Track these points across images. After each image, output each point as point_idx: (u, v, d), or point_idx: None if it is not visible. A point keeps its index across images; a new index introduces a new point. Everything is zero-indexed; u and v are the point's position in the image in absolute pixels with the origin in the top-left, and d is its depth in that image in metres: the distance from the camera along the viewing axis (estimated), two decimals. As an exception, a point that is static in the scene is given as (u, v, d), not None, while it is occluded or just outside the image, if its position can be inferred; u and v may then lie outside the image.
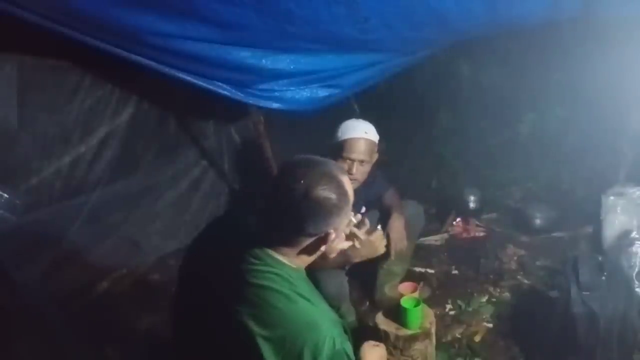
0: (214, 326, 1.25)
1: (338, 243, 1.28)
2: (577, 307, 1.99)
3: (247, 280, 1.20)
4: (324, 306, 1.23)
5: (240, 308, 1.18)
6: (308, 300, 1.19)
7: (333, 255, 1.32)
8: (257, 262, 1.22)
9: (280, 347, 1.13)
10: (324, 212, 1.17)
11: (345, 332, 1.23)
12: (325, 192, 1.16)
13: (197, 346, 1.32)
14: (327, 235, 1.21)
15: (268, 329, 1.15)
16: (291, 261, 1.25)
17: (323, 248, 1.23)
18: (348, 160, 2.21)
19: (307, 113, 2.58)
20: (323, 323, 1.16)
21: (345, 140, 2.21)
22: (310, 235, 1.21)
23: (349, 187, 1.23)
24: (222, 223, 1.49)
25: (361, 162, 2.22)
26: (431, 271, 2.81)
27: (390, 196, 2.51)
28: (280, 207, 1.19)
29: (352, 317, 2.33)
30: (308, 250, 1.24)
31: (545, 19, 2.40)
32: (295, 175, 1.17)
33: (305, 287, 1.24)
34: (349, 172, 2.21)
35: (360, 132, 2.23)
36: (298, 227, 1.18)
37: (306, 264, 1.30)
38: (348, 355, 1.18)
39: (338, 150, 2.23)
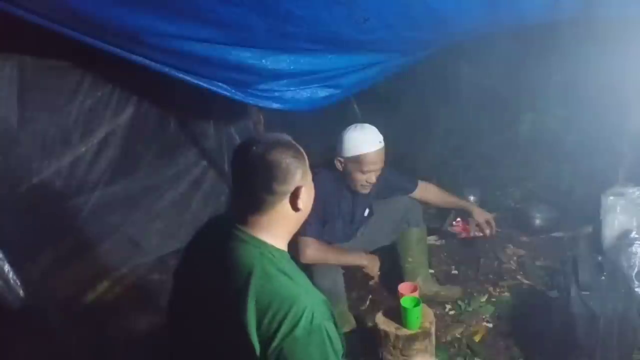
0: (210, 317, 1.24)
1: (308, 199, 1.29)
2: (576, 307, 1.99)
3: (235, 265, 1.21)
4: (308, 285, 1.22)
5: (227, 290, 1.18)
6: (290, 277, 1.19)
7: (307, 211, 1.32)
8: (241, 245, 1.23)
9: (260, 321, 1.12)
10: (286, 165, 1.21)
11: (333, 316, 1.21)
12: (280, 149, 1.22)
13: (194, 341, 1.32)
14: (297, 189, 1.23)
15: (251, 304, 1.14)
16: (274, 240, 1.25)
17: (300, 205, 1.24)
18: (368, 172, 2.24)
19: (307, 113, 2.58)
20: (303, 298, 1.15)
21: (364, 155, 2.22)
22: (278, 193, 1.22)
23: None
24: (215, 220, 1.49)
25: (379, 169, 2.27)
26: (431, 271, 2.81)
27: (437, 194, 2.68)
28: (245, 169, 1.24)
29: (347, 327, 2.30)
30: (284, 216, 1.25)
31: (545, 19, 2.40)
32: (251, 143, 1.24)
33: (288, 265, 1.24)
34: (369, 181, 2.25)
35: (376, 144, 2.24)
36: (266, 185, 1.21)
37: (289, 236, 1.30)
38: (329, 335, 1.14)
39: (355, 164, 2.24)
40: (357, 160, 2.23)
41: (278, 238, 1.27)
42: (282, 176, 1.21)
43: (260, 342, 1.12)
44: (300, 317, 1.11)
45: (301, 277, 1.23)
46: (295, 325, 1.10)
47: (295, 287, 1.17)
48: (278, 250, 1.25)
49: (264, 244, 1.24)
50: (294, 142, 1.28)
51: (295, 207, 1.25)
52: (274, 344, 1.10)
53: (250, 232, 1.24)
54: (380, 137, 2.27)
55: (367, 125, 2.30)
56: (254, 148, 1.21)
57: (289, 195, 1.24)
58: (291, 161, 1.22)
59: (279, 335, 1.10)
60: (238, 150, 1.27)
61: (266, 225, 1.24)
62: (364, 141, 2.23)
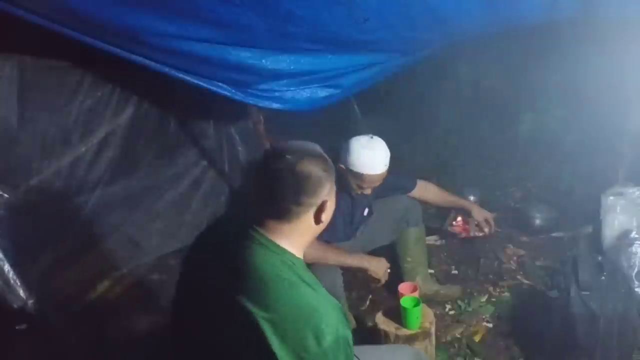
0: (217, 318, 1.23)
1: (331, 212, 1.31)
2: (576, 307, 1.99)
3: (249, 267, 1.20)
4: (327, 295, 1.22)
5: (243, 295, 1.16)
6: (309, 285, 1.19)
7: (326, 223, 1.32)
8: (258, 248, 1.22)
9: (283, 330, 1.12)
10: (317, 178, 1.21)
11: (348, 321, 1.21)
12: (312, 161, 1.22)
13: (199, 341, 1.31)
14: (323, 203, 1.24)
15: (271, 311, 1.13)
16: (292, 248, 1.25)
17: (323, 218, 1.25)
18: (365, 188, 2.27)
19: (307, 113, 2.58)
20: (325, 308, 1.15)
21: (367, 175, 2.21)
22: (305, 205, 1.22)
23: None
24: (223, 220, 1.49)
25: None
26: (431, 271, 2.81)
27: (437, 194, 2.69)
28: (274, 177, 1.22)
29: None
30: (307, 226, 1.25)
31: (545, 19, 2.40)
32: (282, 151, 1.22)
33: (306, 273, 1.23)
34: (363, 193, 2.31)
35: (381, 167, 2.21)
36: (294, 196, 1.20)
37: (306, 245, 1.30)
38: (349, 343, 1.16)
39: (355, 177, 2.23)
40: (359, 177, 2.22)
41: (296, 247, 1.26)
42: (312, 189, 1.21)
43: (283, 350, 1.11)
44: (326, 329, 1.11)
45: (320, 286, 1.23)
46: (322, 337, 1.10)
47: (317, 297, 1.17)
48: (297, 258, 1.25)
49: (284, 250, 1.23)
50: (324, 153, 1.28)
51: (318, 220, 1.26)
52: (301, 355, 1.10)
53: (269, 236, 1.23)
54: (387, 160, 2.22)
55: (377, 143, 2.22)
56: (287, 157, 1.20)
57: (315, 207, 1.24)
58: (322, 175, 1.22)
59: (306, 346, 1.10)
60: (268, 157, 1.25)
61: (287, 233, 1.24)
62: (371, 163, 2.19)
